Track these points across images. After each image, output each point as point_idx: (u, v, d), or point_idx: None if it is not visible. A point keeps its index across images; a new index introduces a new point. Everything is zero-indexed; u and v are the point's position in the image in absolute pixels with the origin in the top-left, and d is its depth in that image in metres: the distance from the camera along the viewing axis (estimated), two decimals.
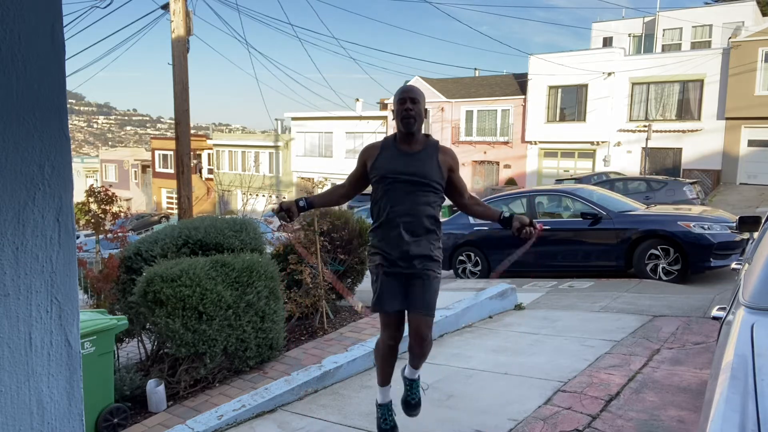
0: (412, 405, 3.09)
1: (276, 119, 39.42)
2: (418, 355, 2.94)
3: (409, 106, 2.74)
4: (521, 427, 3.12)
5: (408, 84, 2.97)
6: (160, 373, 4.69)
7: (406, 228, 2.74)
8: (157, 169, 41.47)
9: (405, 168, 2.76)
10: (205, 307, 4.56)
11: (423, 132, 2.89)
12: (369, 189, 3.02)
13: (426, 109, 2.93)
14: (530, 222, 2.76)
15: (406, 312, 2.87)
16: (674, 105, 23.53)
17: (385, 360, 2.97)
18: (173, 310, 4.47)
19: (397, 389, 3.16)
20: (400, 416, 3.14)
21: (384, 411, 3.05)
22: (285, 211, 2.86)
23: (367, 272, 4.92)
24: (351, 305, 6.53)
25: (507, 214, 2.82)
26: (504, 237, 8.31)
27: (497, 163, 28.55)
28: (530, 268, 8.75)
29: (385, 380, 3.04)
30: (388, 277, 2.81)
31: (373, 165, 2.82)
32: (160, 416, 4.27)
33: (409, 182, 2.74)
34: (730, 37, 22.06)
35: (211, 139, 41.39)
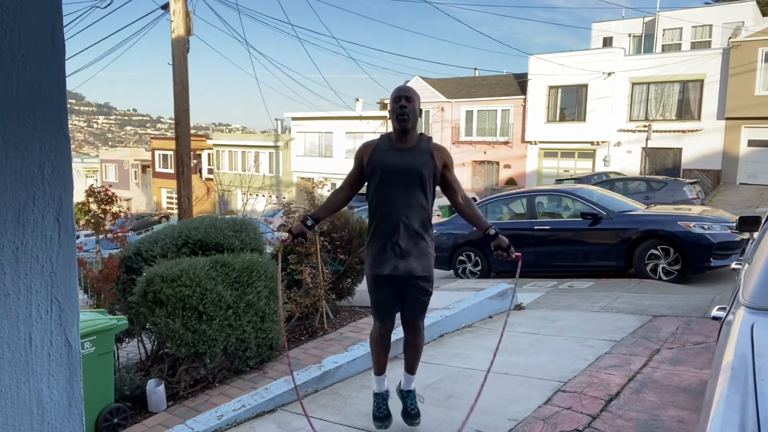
0: (412, 415, 3.16)
1: (276, 119, 39.45)
2: (413, 348, 3.07)
3: (404, 104, 2.82)
4: (521, 427, 3.12)
5: (403, 85, 3.04)
6: (160, 373, 4.69)
7: (403, 223, 2.82)
8: (157, 169, 41.48)
9: (399, 161, 2.84)
10: (205, 307, 4.56)
11: (418, 132, 2.96)
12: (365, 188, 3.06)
13: (422, 109, 3.00)
14: (508, 247, 2.84)
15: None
16: (674, 105, 23.54)
17: (379, 346, 3.08)
18: (173, 310, 4.47)
19: (395, 403, 3.24)
20: (399, 416, 3.16)
21: (379, 399, 3.16)
22: (299, 236, 2.92)
23: None
24: (351, 305, 6.53)
25: (492, 232, 2.90)
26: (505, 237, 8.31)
27: (497, 163, 28.56)
28: (530, 268, 8.75)
29: (380, 369, 3.15)
30: (384, 287, 2.91)
31: (369, 160, 2.90)
32: (160, 416, 4.27)
33: (403, 175, 2.82)
34: (730, 37, 22.06)
35: (211, 139, 41.39)
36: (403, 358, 3.16)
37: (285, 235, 2.96)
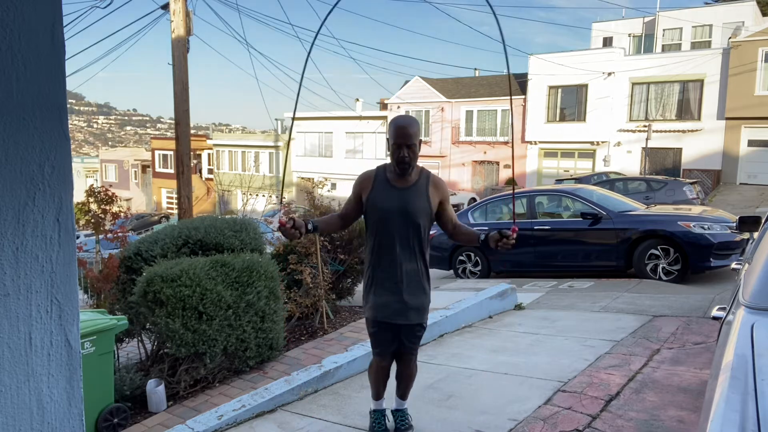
0: (403, 429, 3.19)
1: (276, 119, 39.41)
2: (405, 377, 3.13)
3: (404, 154, 2.76)
4: (521, 427, 3.12)
5: (404, 118, 2.92)
6: (160, 373, 4.69)
7: (401, 268, 2.86)
8: (157, 169, 41.47)
9: (397, 204, 2.85)
10: (205, 307, 4.56)
11: (418, 167, 2.93)
12: None
13: (421, 140, 2.95)
14: (499, 233, 2.83)
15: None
16: (674, 105, 23.54)
17: (378, 377, 3.14)
18: (173, 310, 4.47)
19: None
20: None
21: (378, 415, 3.22)
22: (294, 228, 2.88)
23: None
24: (351, 305, 6.53)
25: (483, 237, 2.93)
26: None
27: (497, 163, 28.55)
28: (530, 268, 8.76)
29: (378, 395, 3.21)
30: (383, 331, 2.95)
31: (368, 198, 2.92)
32: (160, 416, 4.27)
33: (400, 219, 2.85)
34: (730, 37, 22.06)
35: (211, 139, 41.38)
36: (396, 385, 3.20)
37: (282, 240, 2.94)
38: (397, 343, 2.99)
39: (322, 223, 3.04)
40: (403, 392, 3.19)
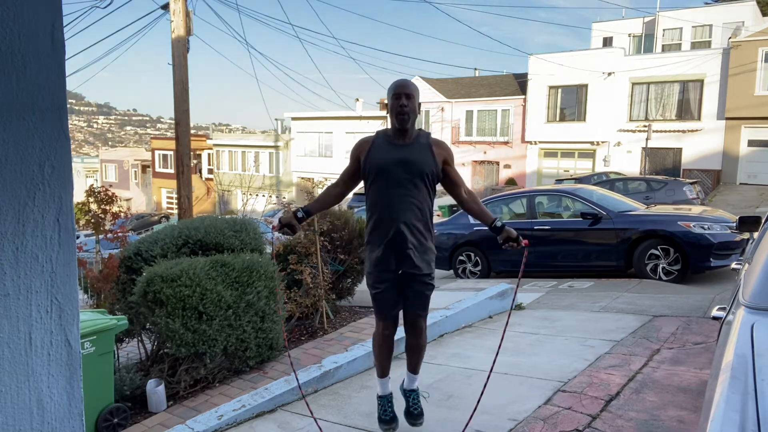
0: (415, 415, 3.11)
1: (276, 119, 39.43)
2: (415, 349, 3.01)
3: (404, 102, 2.74)
4: (521, 427, 3.12)
5: (403, 78, 2.94)
6: (160, 373, 4.69)
7: (402, 220, 2.76)
8: (157, 169, 41.48)
9: (397, 158, 2.77)
10: (205, 307, 4.56)
11: (417, 128, 2.90)
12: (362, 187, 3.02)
13: (420, 103, 2.92)
14: (517, 237, 2.79)
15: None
16: (674, 105, 23.54)
17: (382, 349, 3.03)
18: (173, 310, 4.47)
19: (398, 402, 3.21)
20: (400, 416, 3.16)
21: (384, 402, 3.11)
22: (286, 227, 2.86)
23: None
24: (351, 305, 6.53)
25: (499, 223, 2.84)
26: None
27: (497, 163, 28.55)
28: (530, 268, 8.75)
29: (384, 371, 3.10)
30: (385, 284, 2.85)
31: (366, 158, 2.84)
32: (160, 416, 4.27)
33: (402, 171, 2.75)
34: (730, 37, 22.06)
35: (211, 139, 41.38)
36: (406, 358, 3.12)
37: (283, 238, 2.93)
38: (401, 303, 2.88)
39: (313, 205, 2.97)
40: (414, 365, 3.08)
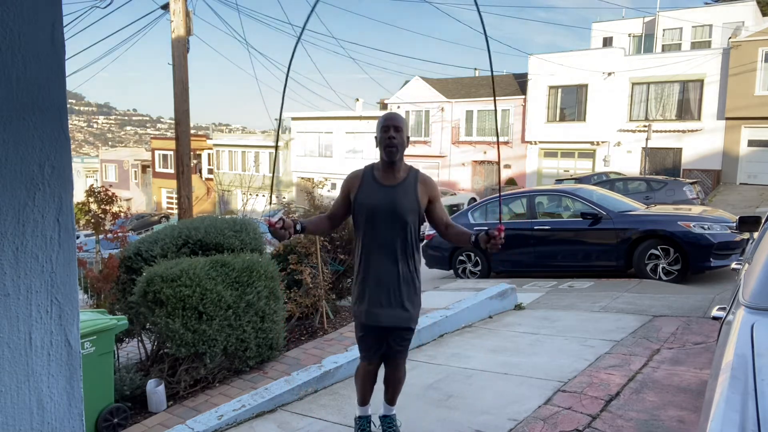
0: None
1: (276, 119, 39.38)
2: (393, 382, 3.05)
3: (392, 135, 2.75)
4: (521, 427, 3.12)
5: (391, 111, 2.95)
6: (160, 373, 4.69)
7: (388, 270, 2.80)
8: (157, 169, 41.48)
9: (384, 202, 2.80)
10: (205, 307, 4.56)
11: (407, 164, 2.91)
12: None
13: (409, 137, 2.92)
14: (487, 232, 2.79)
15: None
16: (674, 105, 23.54)
17: (366, 381, 3.07)
18: (173, 310, 4.47)
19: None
20: (401, 417, 3.16)
21: (363, 422, 3.14)
22: (283, 228, 2.86)
23: None
24: (351, 305, 6.52)
25: (473, 238, 2.88)
26: (504, 237, 8.33)
27: (497, 163, 28.54)
28: (530, 268, 8.75)
29: (364, 401, 3.14)
30: (371, 334, 2.90)
31: (355, 197, 2.88)
32: (160, 416, 4.27)
33: (389, 218, 2.80)
34: (730, 37, 22.06)
35: (211, 139, 41.38)
36: (384, 390, 3.12)
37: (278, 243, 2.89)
38: (385, 347, 2.93)
39: (310, 225, 2.99)
40: (391, 397, 3.11)
